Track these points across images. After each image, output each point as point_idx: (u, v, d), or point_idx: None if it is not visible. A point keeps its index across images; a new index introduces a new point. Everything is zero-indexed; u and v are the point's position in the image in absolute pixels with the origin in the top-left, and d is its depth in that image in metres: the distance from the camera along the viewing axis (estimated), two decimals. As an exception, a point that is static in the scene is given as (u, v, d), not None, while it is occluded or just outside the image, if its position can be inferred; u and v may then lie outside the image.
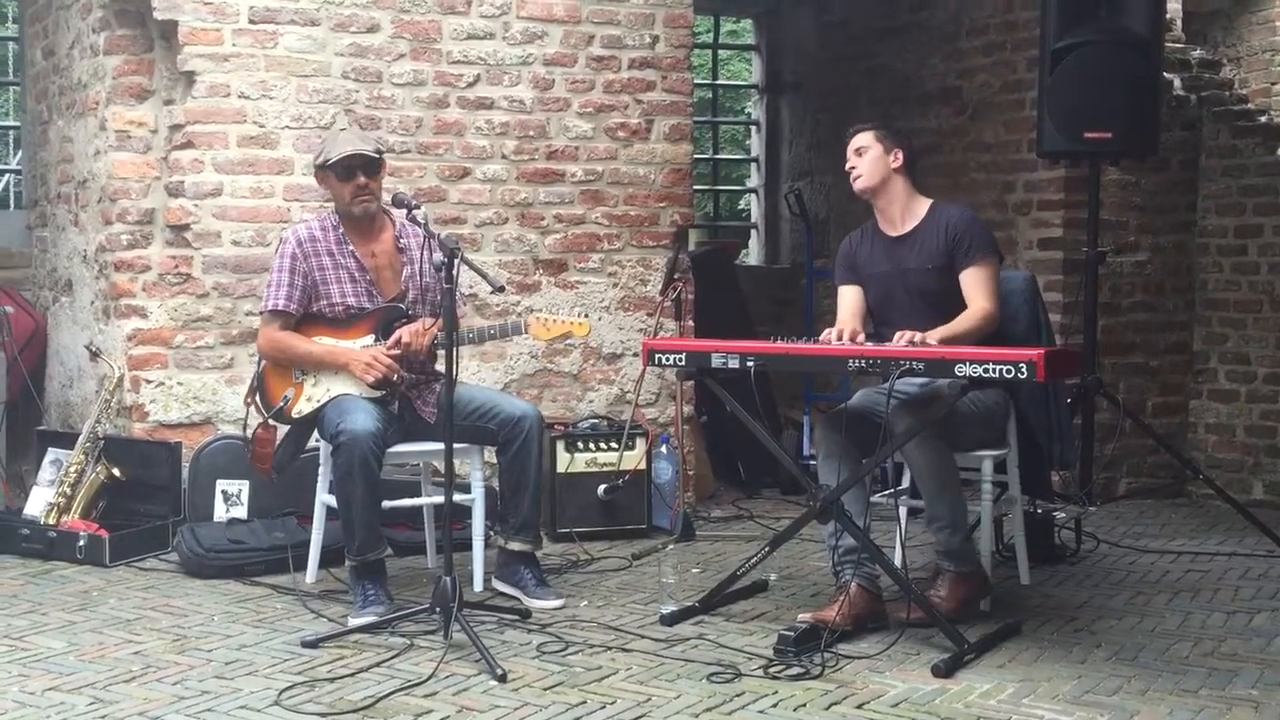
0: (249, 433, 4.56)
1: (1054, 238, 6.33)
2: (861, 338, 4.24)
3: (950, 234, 4.34)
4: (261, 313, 4.56)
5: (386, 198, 4.53)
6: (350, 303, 4.48)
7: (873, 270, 4.48)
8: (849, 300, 4.51)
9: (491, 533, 4.62)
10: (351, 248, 4.49)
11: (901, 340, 4.04)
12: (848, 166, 4.47)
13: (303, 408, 4.46)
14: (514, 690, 3.56)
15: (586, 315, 4.60)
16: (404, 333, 4.42)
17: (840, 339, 4.18)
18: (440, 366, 4.31)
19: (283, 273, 4.46)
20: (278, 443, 4.54)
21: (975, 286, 4.30)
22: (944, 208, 4.48)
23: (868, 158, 4.42)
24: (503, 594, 4.48)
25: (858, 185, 4.44)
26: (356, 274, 4.49)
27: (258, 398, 4.53)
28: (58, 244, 6.07)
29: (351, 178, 4.43)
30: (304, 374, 4.48)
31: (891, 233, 4.46)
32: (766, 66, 8.70)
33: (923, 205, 4.47)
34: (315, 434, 4.53)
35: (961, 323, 4.21)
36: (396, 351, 4.40)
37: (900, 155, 4.41)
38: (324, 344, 4.46)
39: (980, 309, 4.26)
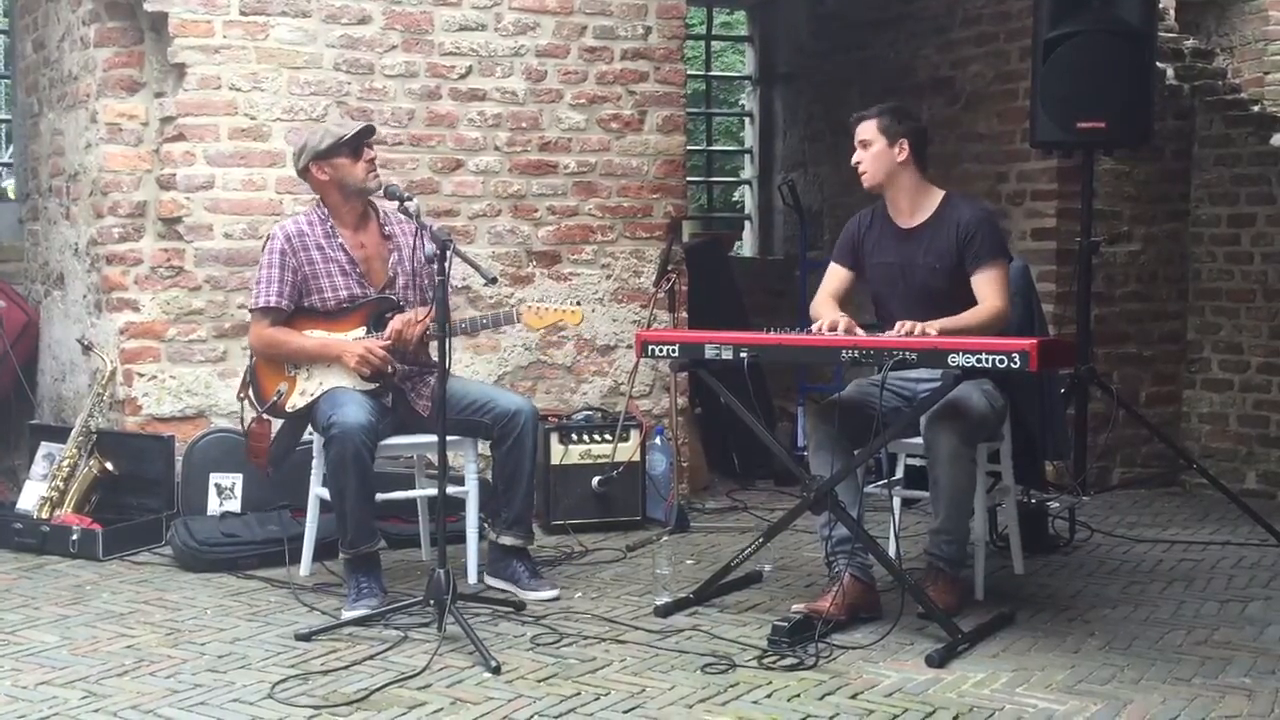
0: (245, 426, 4.56)
1: (1047, 228, 6.33)
2: (856, 328, 4.21)
3: (962, 234, 4.25)
4: (252, 310, 4.52)
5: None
6: (342, 295, 4.45)
7: (878, 260, 4.41)
8: (833, 281, 4.48)
9: (484, 525, 4.61)
10: (340, 240, 4.47)
11: (901, 331, 4.03)
12: (854, 160, 4.35)
13: (296, 402, 4.44)
14: (508, 682, 3.56)
15: (580, 303, 4.59)
16: (396, 322, 4.41)
17: (835, 330, 4.17)
18: (435, 359, 4.29)
19: (272, 269, 4.42)
20: (272, 436, 4.53)
21: (987, 286, 4.23)
22: (957, 204, 4.35)
23: (871, 152, 4.29)
24: (496, 590, 4.47)
25: (864, 182, 4.34)
26: (347, 266, 4.46)
27: (250, 393, 4.52)
28: (49, 237, 6.05)
29: (361, 154, 4.41)
30: (297, 368, 4.46)
31: (901, 224, 4.37)
32: (760, 58, 8.69)
33: (934, 197, 4.36)
34: (309, 427, 4.52)
35: (971, 317, 4.15)
36: (389, 342, 4.39)
37: (906, 146, 4.28)
38: (316, 337, 4.44)
39: (993, 307, 4.19)
